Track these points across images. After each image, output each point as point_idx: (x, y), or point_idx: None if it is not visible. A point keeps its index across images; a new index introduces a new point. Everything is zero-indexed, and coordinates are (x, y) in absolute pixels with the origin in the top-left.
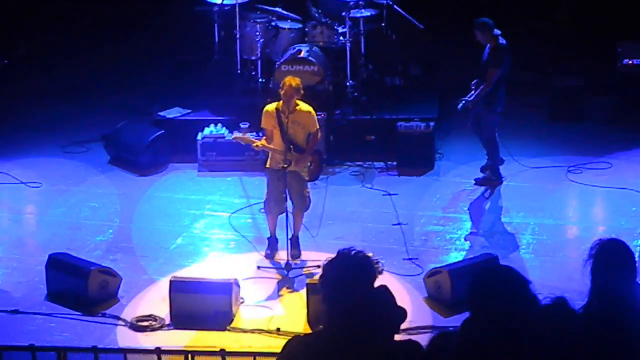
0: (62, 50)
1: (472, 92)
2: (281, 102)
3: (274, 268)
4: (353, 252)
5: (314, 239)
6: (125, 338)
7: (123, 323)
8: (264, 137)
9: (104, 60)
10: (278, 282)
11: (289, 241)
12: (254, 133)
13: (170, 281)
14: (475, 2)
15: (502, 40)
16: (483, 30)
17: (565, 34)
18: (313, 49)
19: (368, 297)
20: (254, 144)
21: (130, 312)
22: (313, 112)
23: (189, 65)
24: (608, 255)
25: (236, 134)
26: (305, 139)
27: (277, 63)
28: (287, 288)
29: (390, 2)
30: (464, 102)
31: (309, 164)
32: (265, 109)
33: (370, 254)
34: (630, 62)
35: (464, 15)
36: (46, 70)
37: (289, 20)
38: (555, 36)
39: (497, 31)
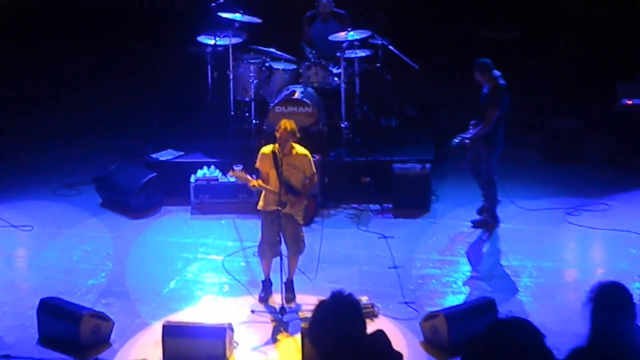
0: (52, 92)
1: (469, 129)
2: (277, 144)
3: (268, 312)
4: (344, 294)
5: (311, 282)
6: None
7: None
8: (259, 179)
9: (95, 102)
10: (273, 327)
11: (283, 285)
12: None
13: (163, 325)
14: (471, 42)
15: (501, 81)
16: (482, 71)
17: (563, 74)
18: (307, 89)
19: (358, 340)
20: (251, 183)
21: (123, 357)
22: (309, 155)
23: (182, 107)
24: (608, 298)
25: (233, 171)
26: (301, 182)
27: (271, 104)
28: (282, 332)
29: (385, 43)
30: (460, 138)
31: (303, 208)
32: (262, 151)
33: (364, 298)
34: (630, 102)
35: (459, 55)
36: (36, 112)
37: (283, 61)
38: (553, 76)
39: (496, 72)
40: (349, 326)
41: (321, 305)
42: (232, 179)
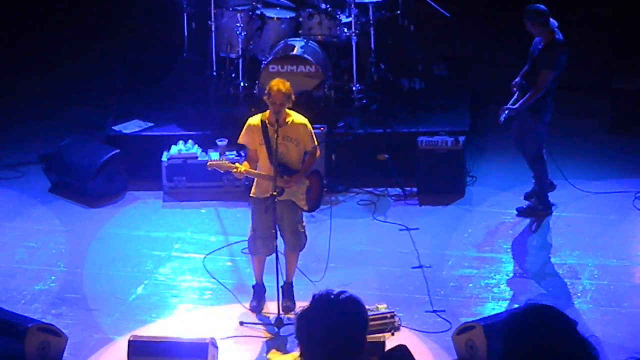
0: None
1: (515, 95)
2: (267, 112)
3: (261, 324)
4: (333, 295)
5: (315, 287)
6: None
7: None
8: (246, 160)
9: (42, 61)
10: (266, 342)
11: (280, 290)
12: (234, 152)
13: (129, 341)
14: None
15: (559, 35)
16: (535, 20)
17: (630, 24)
18: (309, 44)
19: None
20: (236, 170)
21: None
22: (309, 124)
23: (151, 67)
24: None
25: (212, 160)
26: (299, 159)
27: (264, 62)
28: (278, 349)
29: None
30: (507, 111)
31: (305, 190)
32: (248, 122)
33: (383, 306)
34: None
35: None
36: None
37: (279, 8)
38: (618, 26)
39: (553, 22)
40: (353, 337)
41: (311, 312)
42: (220, 145)
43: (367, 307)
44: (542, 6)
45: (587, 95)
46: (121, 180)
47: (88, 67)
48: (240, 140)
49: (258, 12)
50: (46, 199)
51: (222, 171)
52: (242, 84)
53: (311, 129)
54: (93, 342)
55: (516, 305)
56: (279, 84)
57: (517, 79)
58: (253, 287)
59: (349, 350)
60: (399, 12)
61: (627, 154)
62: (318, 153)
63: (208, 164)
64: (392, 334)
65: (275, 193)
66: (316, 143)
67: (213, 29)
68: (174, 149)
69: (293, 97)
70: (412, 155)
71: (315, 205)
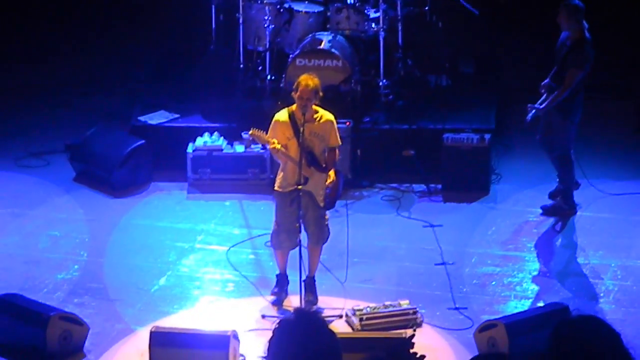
0: (16, 41)
1: (543, 96)
2: (294, 106)
3: (282, 317)
4: (312, 312)
5: (337, 282)
6: None
7: None
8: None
9: (69, 51)
10: None
11: (302, 283)
12: (260, 145)
13: (151, 332)
14: None
15: (588, 34)
16: (570, 15)
17: None
18: (337, 38)
19: None
20: (272, 145)
21: None
22: (335, 122)
23: (178, 58)
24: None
25: (253, 130)
26: (321, 153)
27: (291, 56)
28: None
29: None
30: (534, 110)
31: (327, 186)
32: (275, 119)
33: (405, 302)
34: None
35: None
36: None
37: (307, 2)
38: None
39: (584, 23)
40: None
41: (290, 330)
42: (246, 137)
43: (389, 302)
44: (581, 3)
45: (612, 98)
46: (146, 171)
47: (116, 57)
48: (268, 137)
49: (286, 5)
50: (70, 188)
51: (260, 143)
52: (268, 77)
53: (336, 127)
54: (115, 332)
55: (541, 304)
56: (307, 80)
57: (546, 80)
58: (276, 276)
59: None
60: (427, 8)
61: None
62: (338, 151)
63: (249, 132)
64: (414, 330)
65: (300, 187)
66: (340, 141)
67: (241, 21)
68: (200, 141)
69: (321, 93)
70: (437, 152)
71: (331, 203)
